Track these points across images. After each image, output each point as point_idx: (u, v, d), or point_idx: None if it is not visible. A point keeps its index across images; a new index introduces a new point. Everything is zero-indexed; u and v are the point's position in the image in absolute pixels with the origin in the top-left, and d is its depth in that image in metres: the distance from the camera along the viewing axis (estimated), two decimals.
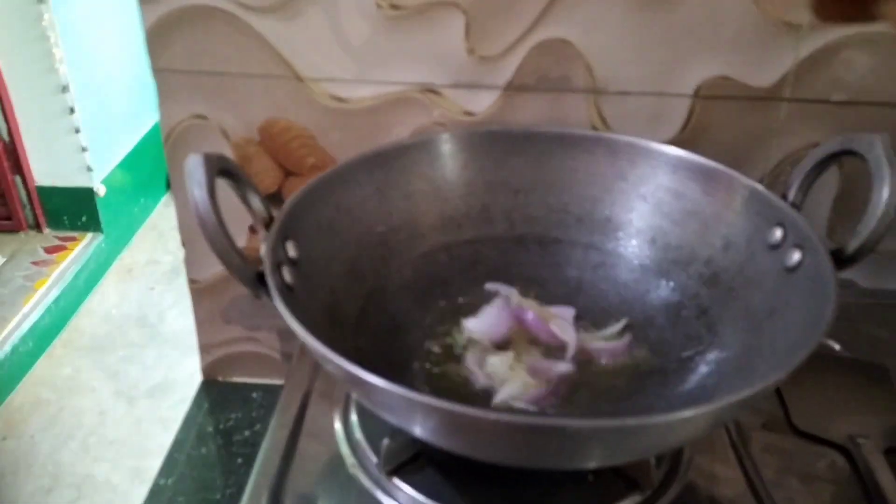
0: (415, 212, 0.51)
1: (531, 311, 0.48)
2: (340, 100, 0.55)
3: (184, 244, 0.63)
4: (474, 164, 0.53)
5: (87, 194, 1.56)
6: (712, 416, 0.34)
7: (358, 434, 0.45)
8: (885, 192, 0.40)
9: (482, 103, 0.55)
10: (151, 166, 1.88)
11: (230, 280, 0.64)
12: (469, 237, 0.53)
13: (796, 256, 0.43)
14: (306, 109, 0.56)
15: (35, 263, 1.50)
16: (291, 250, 0.43)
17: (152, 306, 1.57)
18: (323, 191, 0.47)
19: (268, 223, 0.43)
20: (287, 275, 0.41)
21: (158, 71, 0.55)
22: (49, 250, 1.55)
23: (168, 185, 1.88)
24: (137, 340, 1.46)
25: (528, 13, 0.51)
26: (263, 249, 0.41)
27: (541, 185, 0.53)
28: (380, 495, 0.42)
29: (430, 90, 0.55)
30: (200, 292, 0.65)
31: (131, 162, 1.70)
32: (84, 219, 1.57)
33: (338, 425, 0.46)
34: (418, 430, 0.36)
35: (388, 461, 0.42)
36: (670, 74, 0.53)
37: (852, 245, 0.42)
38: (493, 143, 0.53)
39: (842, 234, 0.43)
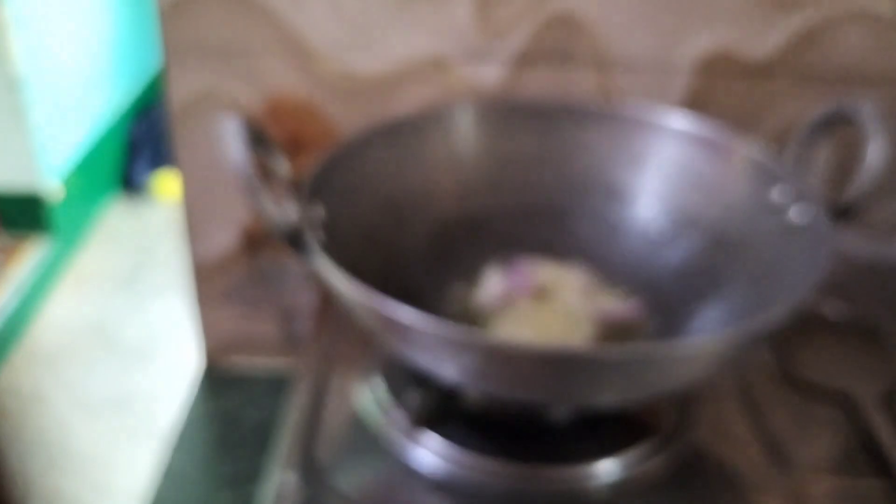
0: (428, 182, 0.53)
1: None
2: (349, 74, 0.56)
3: (188, 222, 0.63)
4: (484, 136, 0.54)
5: (39, 196, 1.52)
6: (727, 344, 0.37)
7: (384, 395, 0.46)
8: (873, 152, 0.44)
9: (491, 76, 0.56)
10: (104, 167, 1.84)
11: (233, 260, 0.65)
12: (480, 207, 0.54)
13: (795, 214, 0.46)
14: (314, 83, 0.57)
15: None
16: (318, 212, 0.44)
17: (109, 314, 1.54)
18: (341, 158, 0.48)
19: (292, 187, 0.44)
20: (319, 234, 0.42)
21: (169, 46, 0.55)
22: (1, 253, 1.50)
23: (121, 186, 1.85)
24: (96, 351, 1.43)
25: None
26: (292, 210, 0.42)
27: (549, 155, 0.55)
28: (411, 447, 0.43)
29: (439, 63, 0.56)
30: (202, 273, 0.65)
31: (84, 162, 1.66)
32: (36, 221, 1.52)
33: (363, 388, 0.47)
34: (454, 370, 0.37)
35: (416, 416, 0.43)
36: (672, 48, 0.56)
37: (844, 199, 0.45)
38: (502, 116, 0.54)
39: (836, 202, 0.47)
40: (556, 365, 0.36)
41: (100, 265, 1.66)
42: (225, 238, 0.63)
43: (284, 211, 0.40)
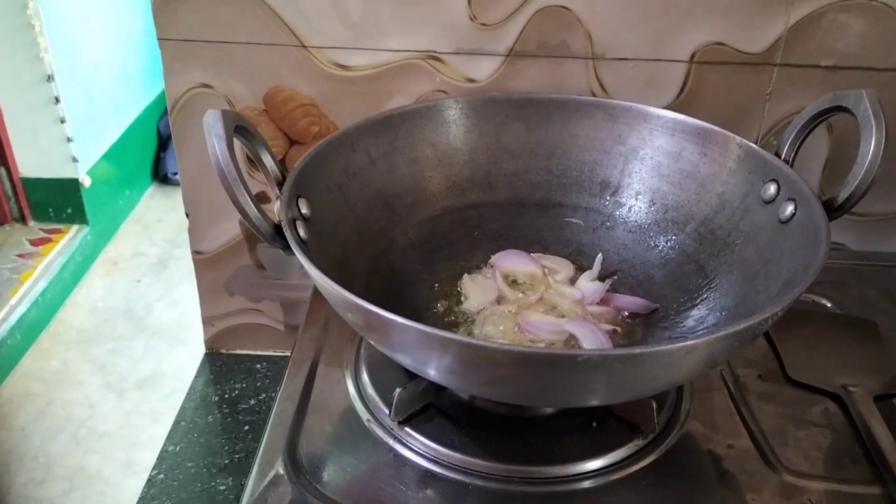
0: (420, 177, 0.53)
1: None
2: (344, 67, 0.56)
3: (188, 215, 0.63)
4: (477, 130, 0.54)
5: (72, 186, 1.54)
6: (712, 347, 0.35)
7: (370, 391, 0.46)
8: (872, 143, 0.42)
9: (484, 70, 0.56)
10: (137, 157, 1.86)
11: (234, 251, 0.65)
12: (472, 201, 0.54)
13: (790, 209, 0.45)
14: (310, 78, 0.57)
15: (20, 256, 1.49)
16: (304, 208, 0.44)
17: (139, 299, 1.56)
18: (332, 153, 0.48)
19: (280, 182, 0.44)
20: (301, 230, 0.42)
21: (164, 41, 0.56)
22: (34, 242, 1.53)
23: (153, 177, 1.88)
24: (125, 333, 1.45)
25: None
26: (278, 205, 0.42)
27: (541, 149, 0.54)
28: (393, 444, 0.43)
29: (433, 57, 0.56)
30: (204, 264, 0.66)
31: (116, 153, 1.69)
32: (69, 210, 1.55)
33: (349, 384, 0.47)
34: (434, 370, 0.37)
35: (400, 411, 0.43)
36: (667, 41, 0.55)
37: (842, 195, 0.44)
38: (494, 109, 0.54)
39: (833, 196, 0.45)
40: (535, 366, 0.35)
41: (131, 252, 1.70)
42: (225, 230, 0.64)
43: (266, 208, 0.40)
